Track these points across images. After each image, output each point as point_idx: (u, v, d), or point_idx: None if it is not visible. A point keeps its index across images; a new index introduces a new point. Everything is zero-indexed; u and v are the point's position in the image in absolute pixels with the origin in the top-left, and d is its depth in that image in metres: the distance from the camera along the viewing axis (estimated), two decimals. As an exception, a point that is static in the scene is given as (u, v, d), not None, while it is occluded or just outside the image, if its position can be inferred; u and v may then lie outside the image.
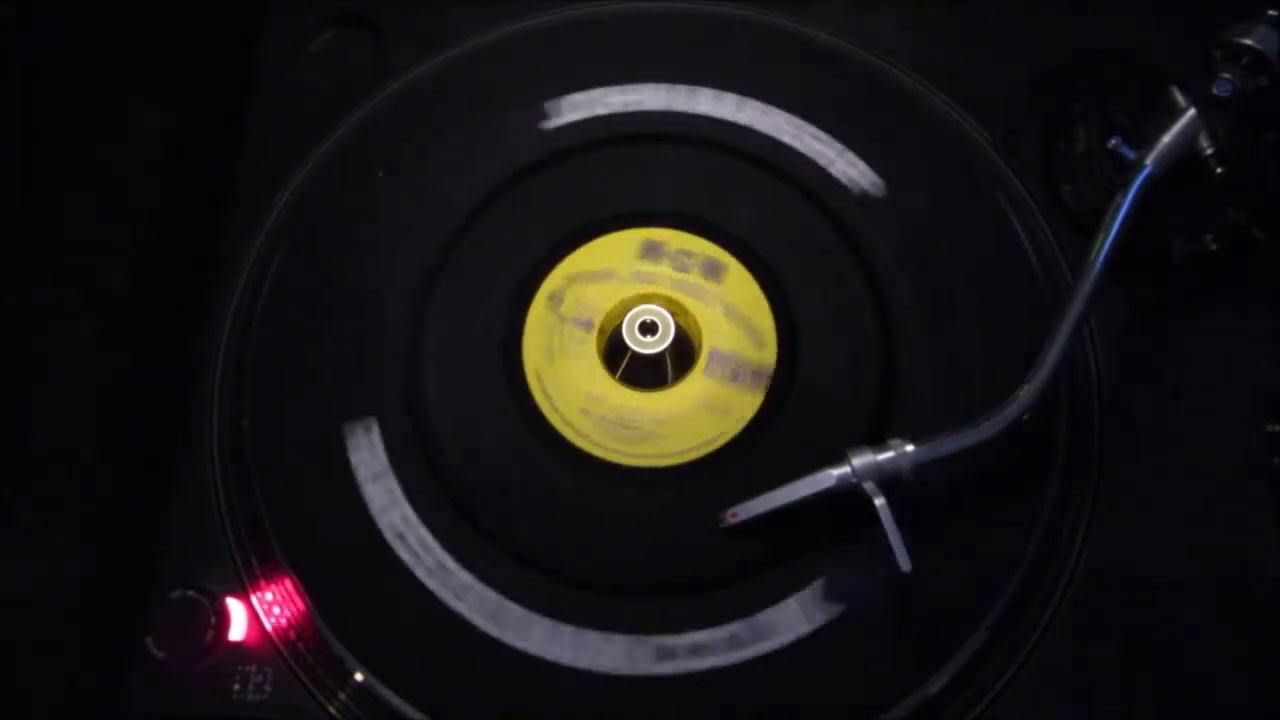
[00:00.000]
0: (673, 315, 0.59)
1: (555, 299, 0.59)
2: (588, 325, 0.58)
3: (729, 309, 0.58)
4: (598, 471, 0.55)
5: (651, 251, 0.60)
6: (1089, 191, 0.59)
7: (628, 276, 0.59)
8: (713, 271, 0.59)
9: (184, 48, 0.65)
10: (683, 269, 0.59)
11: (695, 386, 0.57)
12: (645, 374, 0.59)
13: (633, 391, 0.57)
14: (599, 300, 0.59)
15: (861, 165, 0.61)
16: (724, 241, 0.60)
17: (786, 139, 0.62)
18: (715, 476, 0.54)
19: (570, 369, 0.57)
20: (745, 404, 0.56)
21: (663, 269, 0.59)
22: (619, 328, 0.59)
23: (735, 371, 0.57)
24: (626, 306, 0.59)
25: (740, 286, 0.59)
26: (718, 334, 0.58)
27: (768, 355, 0.57)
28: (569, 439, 0.56)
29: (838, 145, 0.62)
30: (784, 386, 0.56)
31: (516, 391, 0.57)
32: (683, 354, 0.59)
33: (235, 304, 0.60)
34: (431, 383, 0.57)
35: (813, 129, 0.62)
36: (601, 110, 0.63)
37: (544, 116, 0.63)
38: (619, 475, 0.55)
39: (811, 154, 0.62)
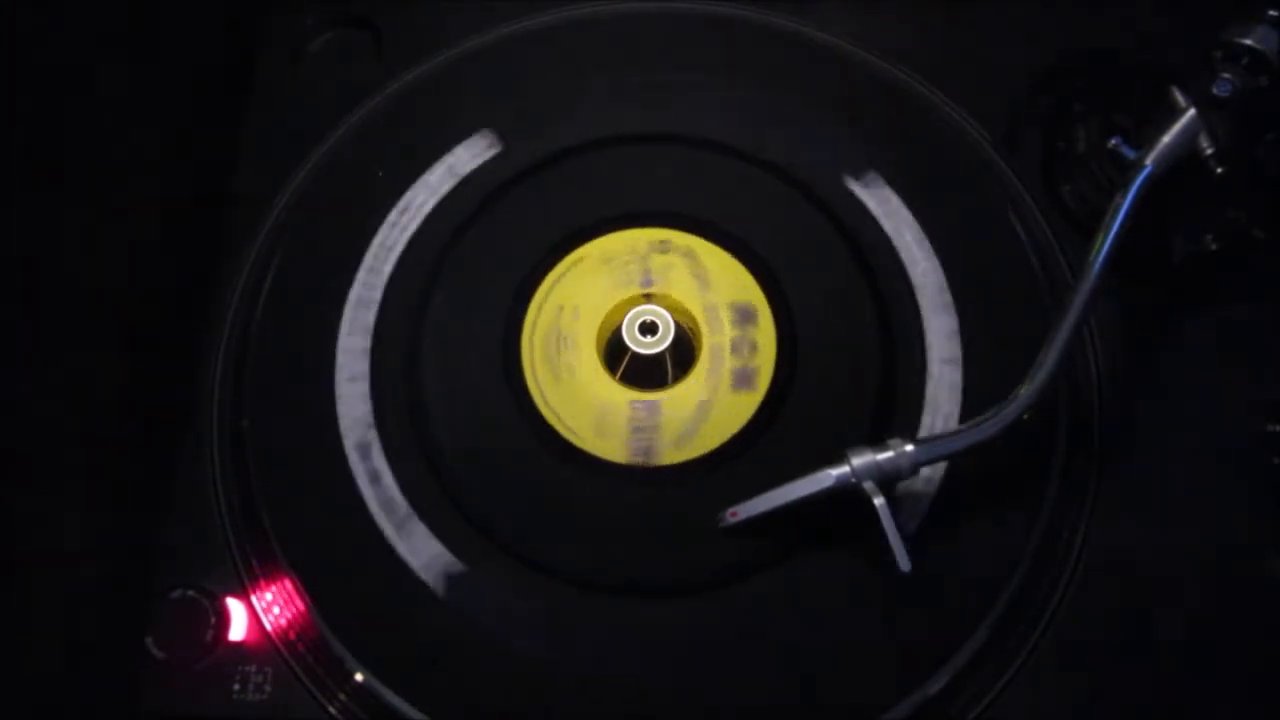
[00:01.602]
0: (673, 315, 0.59)
1: (555, 299, 0.59)
2: (588, 325, 0.58)
3: (729, 308, 0.58)
4: (598, 471, 0.55)
5: (652, 251, 0.60)
6: (1089, 191, 0.59)
7: (628, 276, 0.59)
8: (713, 271, 0.59)
9: (184, 48, 0.65)
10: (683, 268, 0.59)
11: (695, 386, 0.57)
12: (645, 374, 0.59)
13: (633, 392, 0.57)
14: (599, 300, 0.59)
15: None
16: (724, 241, 0.60)
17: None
18: (715, 476, 0.54)
19: (570, 370, 0.57)
20: (745, 404, 0.56)
21: (663, 269, 0.59)
22: (619, 328, 0.59)
23: (735, 371, 0.57)
24: (626, 306, 0.59)
25: (740, 286, 0.59)
26: (718, 334, 0.58)
27: (767, 355, 0.57)
28: (569, 440, 0.56)
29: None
30: (783, 386, 0.56)
31: (516, 392, 0.57)
32: (683, 354, 0.59)
33: (235, 304, 0.60)
34: (431, 383, 0.57)
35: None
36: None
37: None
38: (619, 475, 0.55)
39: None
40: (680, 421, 0.56)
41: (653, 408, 0.56)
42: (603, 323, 0.59)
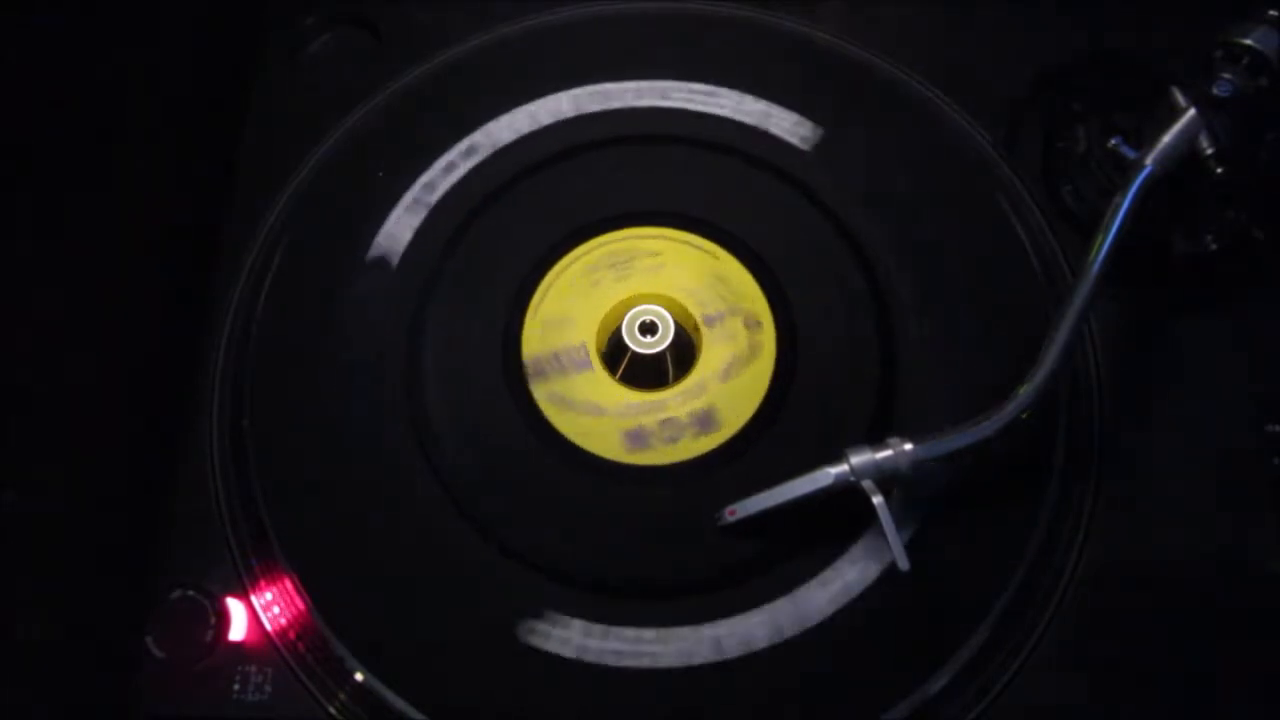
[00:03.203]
0: (672, 315, 0.59)
1: (555, 298, 0.59)
2: (587, 325, 0.58)
3: (729, 308, 0.58)
4: (599, 471, 0.55)
5: (652, 251, 0.60)
6: (1089, 191, 0.59)
7: (627, 276, 0.59)
8: (713, 271, 0.59)
9: (184, 48, 0.65)
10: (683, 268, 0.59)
11: (695, 386, 0.57)
12: (645, 374, 0.59)
13: (633, 391, 0.57)
14: (599, 300, 0.59)
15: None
16: (724, 241, 0.60)
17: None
18: (715, 476, 0.54)
19: (576, 381, 0.57)
20: (745, 403, 0.56)
21: (663, 269, 0.59)
22: (619, 328, 0.59)
23: (735, 371, 0.57)
24: (626, 306, 0.59)
25: (740, 286, 0.59)
26: (717, 334, 0.58)
27: (767, 355, 0.57)
28: (570, 439, 0.56)
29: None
30: (783, 385, 0.56)
31: (516, 391, 0.57)
32: (683, 354, 0.59)
33: (235, 303, 0.60)
34: (432, 382, 0.57)
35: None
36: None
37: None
38: (619, 474, 0.55)
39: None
40: (680, 421, 0.56)
41: (652, 407, 0.56)
42: (602, 323, 0.59)
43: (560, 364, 0.57)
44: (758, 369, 0.57)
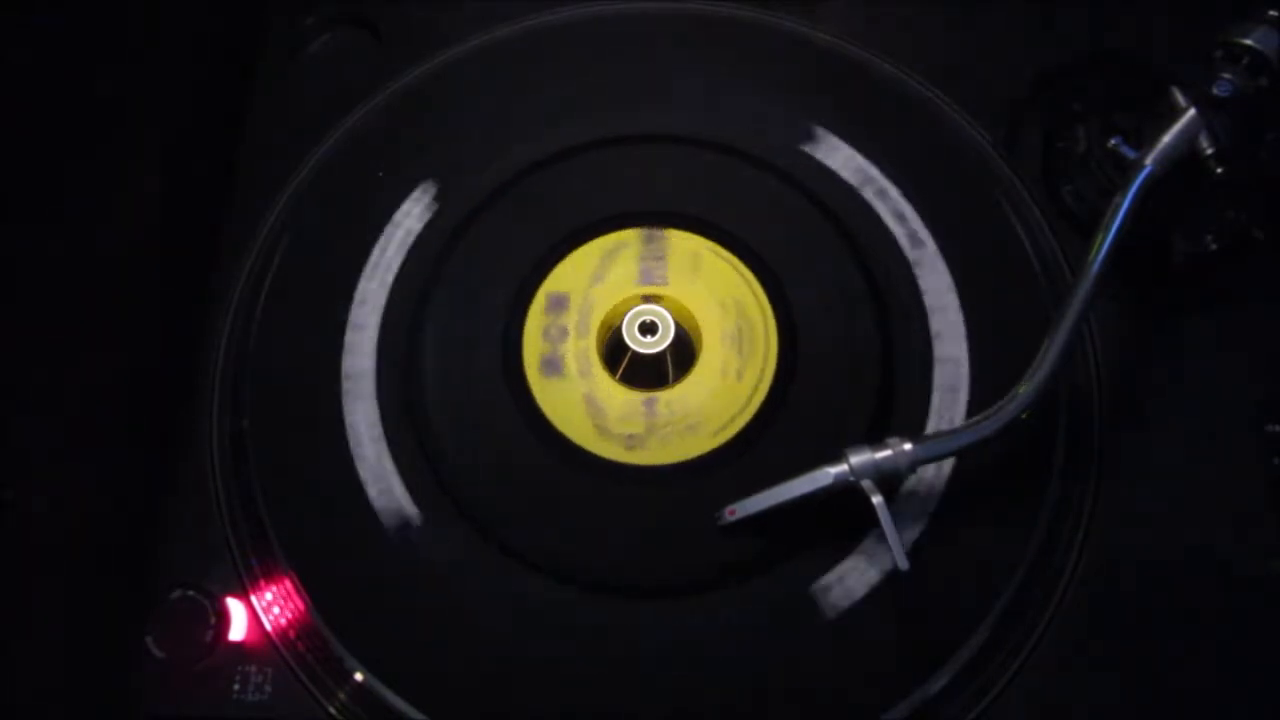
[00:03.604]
0: (672, 315, 0.59)
1: (555, 299, 0.59)
2: (587, 325, 0.58)
3: (729, 308, 0.58)
4: (599, 471, 0.55)
5: (652, 251, 0.60)
6: (1089, 191, 0.59)
7: (628, 276, 0.59)
8: (713, 271, 0.59)
9: (184, 47, 0.65)
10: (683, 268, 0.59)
11: (695, 386, 0.57)
12: (645, 374, 0.59)
13: (633, 391, 0.57)
14: (599, 300, 0.59)
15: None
16: (724, 241, 0.60)
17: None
18: (715, 476, 0.54)
19: (570, 370, 0.57)
20: (745, 403, 0.56)
21: (663, 269, 0.59)
22: (619, 328, 0.59)
23: (735, 371, 0.57)
24: (626, 306, 0.59)
25: (740, 285, 0.59)
26: (717, 333, 0.58)
27: (767, 354, 0.57)
28: (570, 439, 0.56)
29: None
30: (784, 385, 0.56)
31: (516, 391, 0.57)
32: (683, 353, 0.59)
33: (235, 303, 0.60)
34: (432, 382, 0.57)
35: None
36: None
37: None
38: (619, 474, 0.55)
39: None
40: (680, 421, 0.56)
41: (652, 407, 0.56)
42: (602, 322, 0.59)
43: (560, 364, 0.57)
44: (758, 369, 0.57)
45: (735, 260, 0.59)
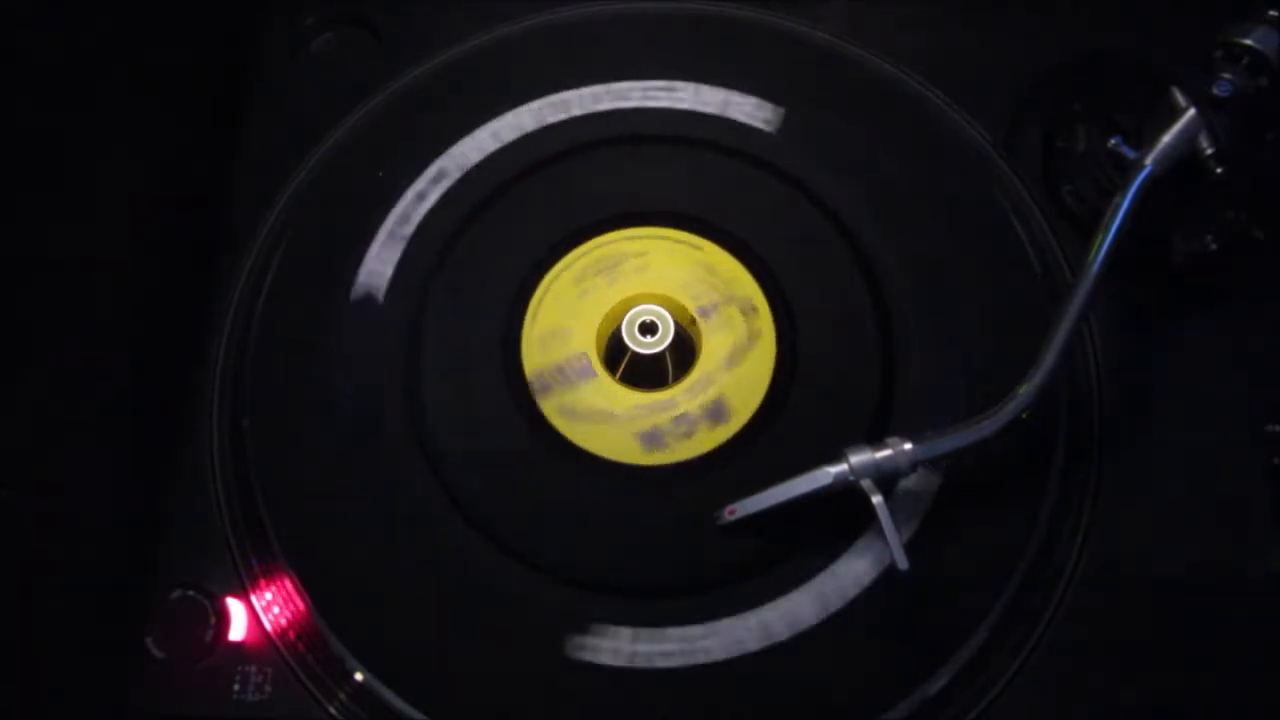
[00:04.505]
0: (672, 315, 0.59)
1: (555, 298, 0.59)
2: (587, 325, 0.58)
3: (729, 308, 0.58)
4: (599, 471, 0.55)
5: (651, 251, 0.60)
6: (1089, 191, 0.59)
7: (627, 276, 0.59)
8: (713, 271, 0.59)
9: (184, 47, 0.65)
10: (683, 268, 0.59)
11: (695, 386, 0.57)
12: (645, 374, 0.59)
13: (632, 392, 0.57)
14: (599, 300, 0.59)
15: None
16: (724, 241, 0.60)
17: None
18: (715, 476, 0.54)
19: (583, 391, 0.57)
20: (745, 403, 0.56)
21: (662, 269, 0.59)
22: (619, 328, 0.59)
23: (735, 370, 0.57)
24: (626, 306, 0.59)
25: (740, 285, 0.59)
26: (717, 334, 0.58)
27: (767, 354, 0.57)
28: (570, 439, 0.56)
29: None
30: (784, 385, 0.56)
31: (516, 391, 0.57)
32: (682, 354, 0.59)
33: (235, 303, 0.60)
34: (432, 382, 0.57)
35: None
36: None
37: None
38: (619, 474, 0.55)
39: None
40: (693, 415, 0.56)
41: (663, 406, 0.56)
42: (602, 322, 0.59)
43: (564, 376, 0.57)
44: (761, 353, 0.57)
45: (735, 260, 0.59)
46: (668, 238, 0.60)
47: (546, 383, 0.57)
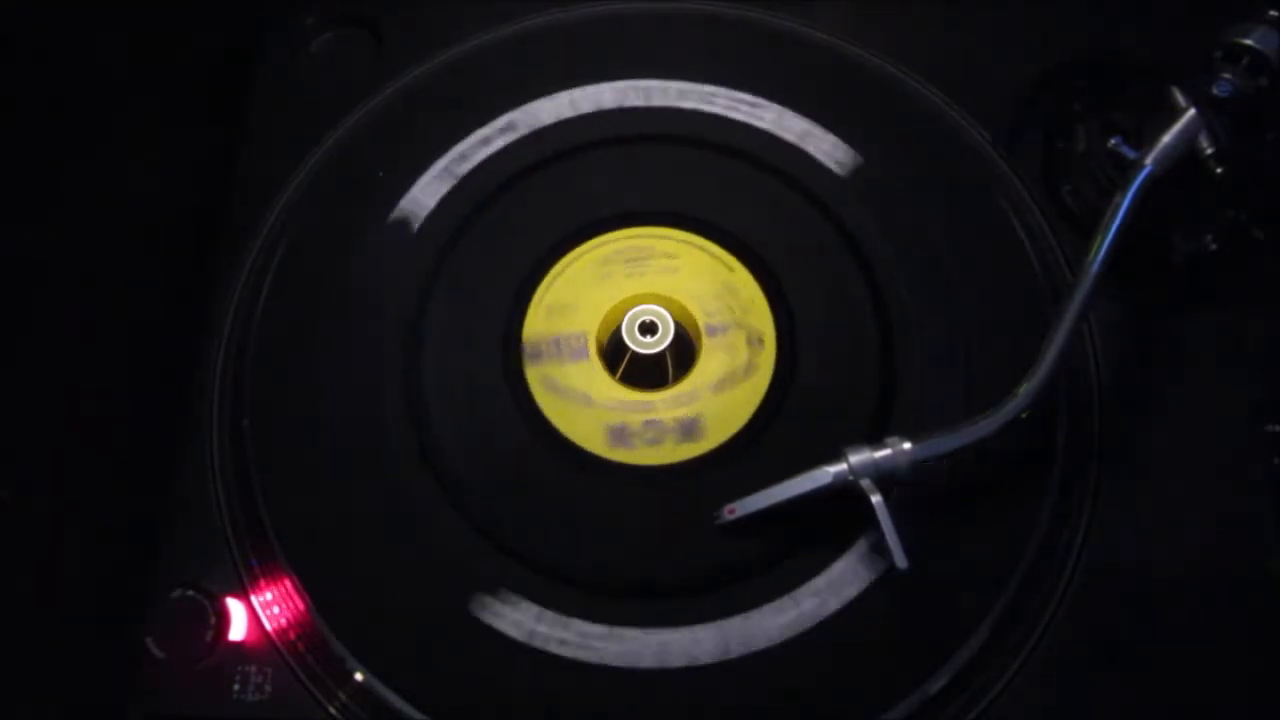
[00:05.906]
0: (672, 315, 0.59)
1: (555, 298, 0.59)
2: (587, 326, 0.58)
3: (729, 308, 0.58)
4: (598, 471, 0.55)
5: (651, 251, 0.60)
6: (1089, 191, 0.59)
7: (627, 276, 0.59)
8: (712, 271, 0.59)
9: (184, 47, 0.65)
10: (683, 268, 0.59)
11: (695, 386, 0.57)
12: (645, 374, 0.59)
13: (633, 392, 0.57)
14: (599, 300, 0.59)
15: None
16: (723, 241, 0.60)
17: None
18: (715, 475, 0.54)
19: (570, 369, 0.57)
20: (745, 403, 0.56)
21: (662, 268, 0.59)
22: (619, 328, 0.59)
23: (735, 370, 0.57)
24: (626, 306, 0.59)
25: (740, 285, 0.59)
26: (717, 333, 0.58)
27: (767, 354, 0.57)
28: (570, 439, 0.56)
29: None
30: (783, 385, 0.56)
31: (516, 391, 0.57)
32: (682, 353, 0.59)
33: (235, 303, 0.60)
34: (432, 382, 0.57)
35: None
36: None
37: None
38: (620, 474, 0.55)
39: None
40: (664, 425, 0.56)
41: (640, 407, 0.56)
42: (602, 322, 0.59)
43: (558, 349, 0.57)
44: (751, 386, 0.57)
45: (735, 260, 0.59)
46: (704, 249, 0.60)
47: (539, 350, 0.57)
